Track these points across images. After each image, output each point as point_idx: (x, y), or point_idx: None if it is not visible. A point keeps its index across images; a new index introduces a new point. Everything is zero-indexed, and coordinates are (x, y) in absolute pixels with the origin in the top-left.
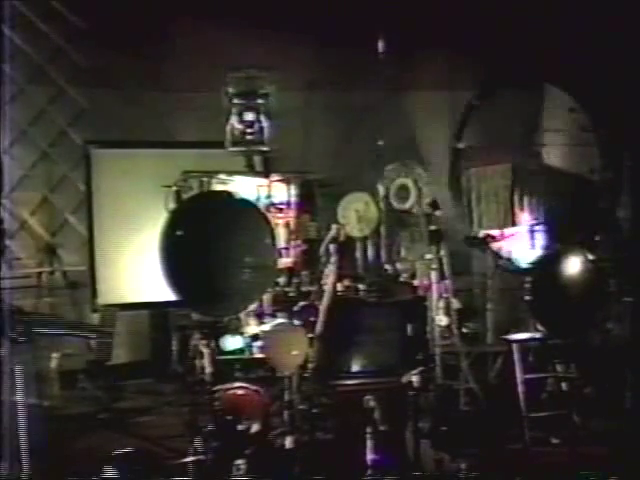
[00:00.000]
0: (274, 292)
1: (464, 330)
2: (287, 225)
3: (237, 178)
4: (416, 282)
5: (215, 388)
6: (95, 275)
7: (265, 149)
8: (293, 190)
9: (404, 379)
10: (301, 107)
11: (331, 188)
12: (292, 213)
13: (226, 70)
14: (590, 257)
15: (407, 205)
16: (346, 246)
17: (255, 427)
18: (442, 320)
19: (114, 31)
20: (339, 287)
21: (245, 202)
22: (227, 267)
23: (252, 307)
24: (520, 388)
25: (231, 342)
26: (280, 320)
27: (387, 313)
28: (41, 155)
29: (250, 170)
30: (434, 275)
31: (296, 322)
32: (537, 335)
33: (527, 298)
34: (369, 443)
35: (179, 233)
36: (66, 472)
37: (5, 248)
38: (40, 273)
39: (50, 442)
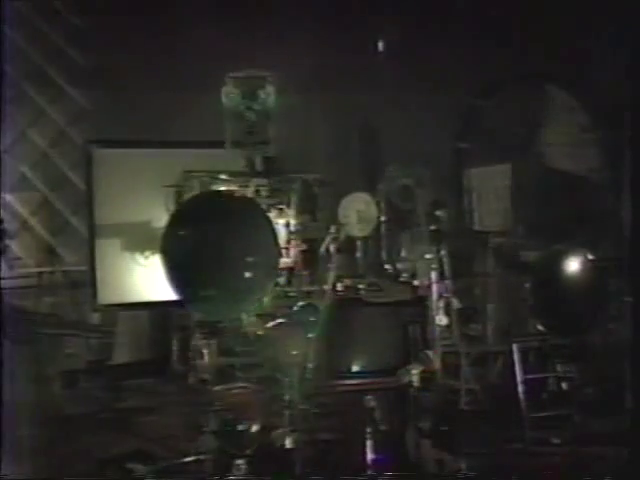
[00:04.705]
0: (274, 292)
1: (469, 332)
2: (287, 225)
3: (237, 178)
4: (416, 282)
5: (215, 388)
6: (95, 275)
7: (265, 149)
8: (293, 190)
9: (404, 379)
10: (301, 107)
11: (331, 188)
12: (292, 213)
13: (226, 70)
14: (590, 257)
15: (408, 205)
16: (346, 246)
17: (255, 427)
18: (442, 320)
19: (114, 31)
20: (339, 287)
21: (246, 202)
22: (228, 267)
23: (252, 307)
24: (520, 388)
25: None
26: (280, 320)
27: (387, 313)
28: (41, 155)
29: (250, 170)
30: (434, 275)
31: (296, 322)
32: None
33: (527, 298)
34: (369, 443)
35: (180, 233)
36: (66, 472)
37: (5, 248)
38: (40, 273)
39: (50, 442)
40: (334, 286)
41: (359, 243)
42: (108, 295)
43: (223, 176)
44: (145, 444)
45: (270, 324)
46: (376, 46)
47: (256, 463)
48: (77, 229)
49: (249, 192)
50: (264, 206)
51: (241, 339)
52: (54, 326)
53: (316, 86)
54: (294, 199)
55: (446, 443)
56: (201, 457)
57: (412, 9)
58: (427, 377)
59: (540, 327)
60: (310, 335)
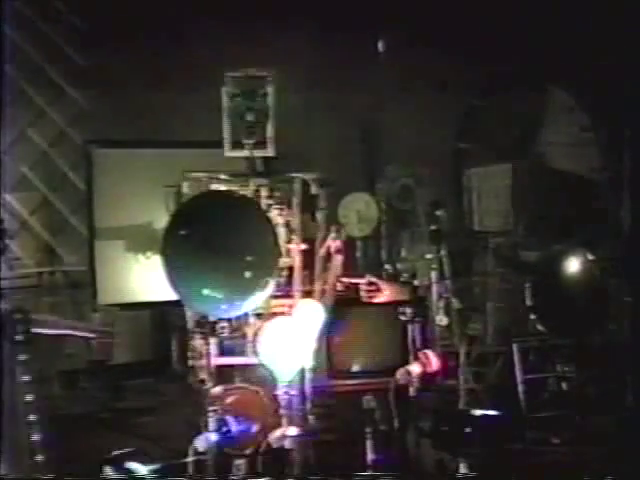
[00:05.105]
0: (274, 292)
1: (469, 332)
2: (287, 225)
3: (237, 178)
4: (416, 282)
5: (214, 388)
6: (95, 275)
7: (265, 149)
8: (293, 190)
9: (402, 380)
10: (301, 107)
11: (331, 188)
12: (292, 213)
13: (226, 70)
14: (590, 257)
15: (408, 205)
16: (346, 246)
17: (255, 427)
18: (442, 320)
19: (114, 31)
20: (339, 287)
21: (246, 202)
22: (228, 267)
23: (253, 307)
24: (520, 388)
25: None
26: (280, 320)
27: (387, 313)
28: (41, 155)
29: (250, 170)
30: (434, 275)
31: (296, 323)
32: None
33: (527, 298)
34: (369, 443)
35: (180, 233)
36: (66, 472)
37: (5, 248)
38: (40, 273)
39: (50, 442)
40: (334, 286)
41: (359, 243)
42: (108, 295)
43: (223, 176)
44: (145, 444)
45: (270, 324)
46: (376, 46)
47: (256, 463)
48: (77, 229)
49: (249, 192)
50: (264, 206)
51: (241, 339)
52: (54, 326)
53: (316, 86)
54: (294, 199)
55: (446, 443)
56: (201, 457)
57: (412, 9)
58: (427, 377)
59: (540, 327)
60: (310, 335)
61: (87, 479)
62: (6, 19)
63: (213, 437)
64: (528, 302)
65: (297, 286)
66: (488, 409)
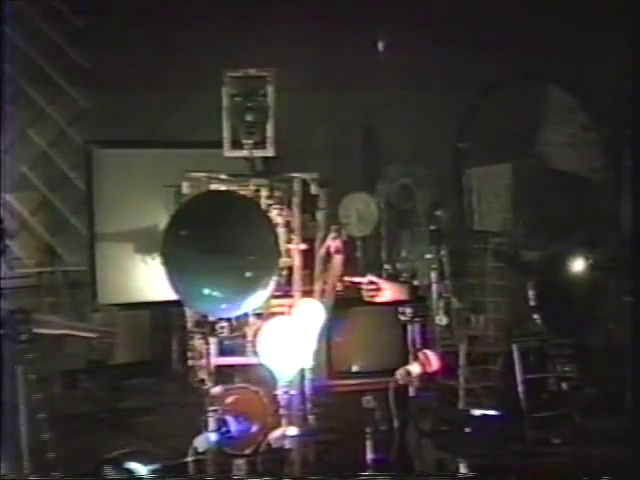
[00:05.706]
0: (274, 292)
1: (469, 332)
2: (287, 225)
3: (237, 178)
4: (416, 282)
5: (215, 388)
6: (95, 275)
7: (265, 149)
8: (293, 190)
9: (402, 380)
10: (301, 107)
11: (331, 188)
12: (292, 213)
13: (225, 70)
14: (590, 257)
15: (408, 205)
16: (346, 246)
17: (255, 427)
18: (442, 320)
19: (114, 31)
20: (339, 287)
21: (246, 202)
22: (228, 267)
23: (253, 307)
24: (520, 388)
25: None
26: (280, 320)
27: (387, 313)
28: (41, 155)
29: (250, 170)
30: (434, 275)
31: (295, 322)
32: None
33: (527, 298)
34: (369, 443)
35: (181, 233)
36: (66, 472)
37: (5, 248)
38: (40, 273)
39: (50, 442)
40: (334, 286)
41: (359, 243)
42: (108, 295)
43: (223, 176)
44: (145, 444)
45: (270, 324)
46: (376, 46)
47: (256, 463)
48: (77, 229)
49: (249, 192)
50: (264, 206)
51: (241, 339)
52: (54, 326)
53: (316, 86)
54: (294, 199)
55: (446, 443)
56: (201, 457)
57: (412, 8)
58: (427, 377)
59: (540, 326)
60: (310, 335)
61: (87, 479)
62: (6, 19)
63: (213, 437)
64: (528, 302)
65: (297, 286)
66: (488, 409)
